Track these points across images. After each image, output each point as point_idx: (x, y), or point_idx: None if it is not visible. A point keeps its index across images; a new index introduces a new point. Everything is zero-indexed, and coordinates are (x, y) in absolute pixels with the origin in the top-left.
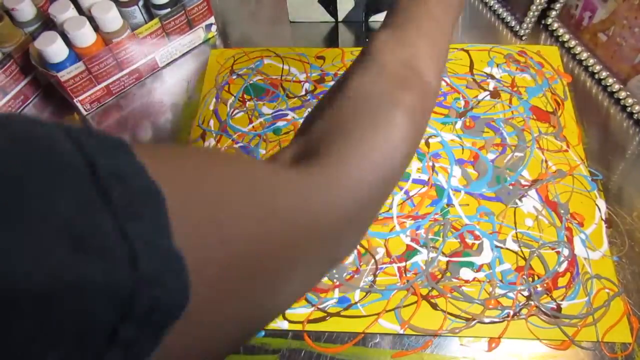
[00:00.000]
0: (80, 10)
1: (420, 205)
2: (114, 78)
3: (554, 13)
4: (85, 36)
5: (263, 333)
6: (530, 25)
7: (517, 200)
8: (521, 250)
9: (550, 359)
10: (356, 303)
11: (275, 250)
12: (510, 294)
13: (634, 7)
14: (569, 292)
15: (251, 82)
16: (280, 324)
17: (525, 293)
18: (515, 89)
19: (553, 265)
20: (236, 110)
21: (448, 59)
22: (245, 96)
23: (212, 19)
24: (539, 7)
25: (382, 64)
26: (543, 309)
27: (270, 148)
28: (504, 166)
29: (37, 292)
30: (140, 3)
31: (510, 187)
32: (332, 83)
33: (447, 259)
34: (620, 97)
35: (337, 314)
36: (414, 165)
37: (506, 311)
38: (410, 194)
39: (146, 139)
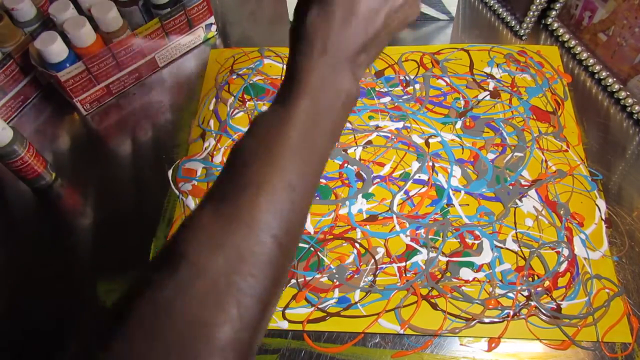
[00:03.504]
0: (80, 10)
1: (420, 205)
2: (114, 78)
3: (554, 13)
4: (85, 36)
5: None
6: (530, 25)
7: (517, 200)
8: (521, 250)
9: (550, 359)
10: (356, 303)
11: None
12: (510, 294)
13: (634, 7)
14: (569, 292)
15: (251, 82)
16: (280, 324)
17: (525, 293)
18: (515, 89)
19: (553, 265)
20: (236, 110)
21: (448, 58)
22: (245, 96)
23: (212, 19)
24: (539, 7)
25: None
26: (543, 309)
27: None
28: (504, 166)
29: None
30: (140, 3)
31: (510, 187)
32: None
33: (447, 259)
34: (620, 97)
35: (337, 314)
36: (414, 165)
37: (506, 311)
38: (410, 194)
39: (146, 139)
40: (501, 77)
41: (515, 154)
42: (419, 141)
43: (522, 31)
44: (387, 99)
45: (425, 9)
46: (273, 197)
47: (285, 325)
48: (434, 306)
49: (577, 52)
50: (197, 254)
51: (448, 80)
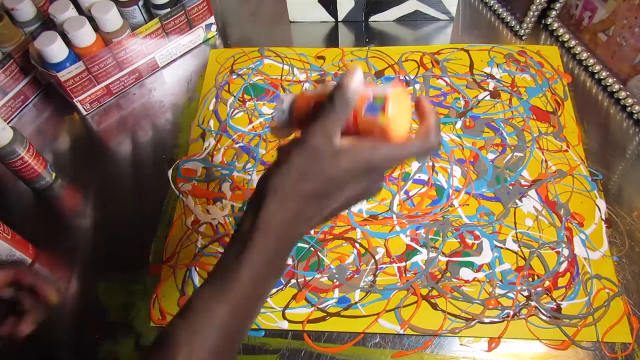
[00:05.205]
0: (80, 10)
1: (420, 205)
2: (114, 78)
3: (554, 13)
4: (85, 36)
5: (263, 333)
6: (530, 25)
7: (517, 200)
8: (521, 250)
9: (550, 359)
10: (356, 303)
11: None
12: (510, 294)
13: (634, 7)
14: (569, 292)
15: (251, 82)
16: (280, 324)
17: (525, 293)
18: (515, 89)
19: (553, 265)
20: (236, 110)
21: (448, 58)
22: (245, 96)
23: (212, 19)
24: (539, 7)
25: None
26: (543, 309)
27: (270, 148)
28: (504, 166)
29: None
30: (140, 3)
31: (510, 187)
32: (332, 82)
33: (447, 259)
34: (620, 97)
35: (337, 314)
36: (414, 165)
37: (506, 311)
38: (410, 194)
39: (146, 139)
40: (501, 77)
41: (515, 154)
42: None
43: (522, 31)
44: None
45: (425, 9)
46: None
47: (285, 325)
48: (434, 306)
49: (577, 52)
50: None
51: (448, 80)
